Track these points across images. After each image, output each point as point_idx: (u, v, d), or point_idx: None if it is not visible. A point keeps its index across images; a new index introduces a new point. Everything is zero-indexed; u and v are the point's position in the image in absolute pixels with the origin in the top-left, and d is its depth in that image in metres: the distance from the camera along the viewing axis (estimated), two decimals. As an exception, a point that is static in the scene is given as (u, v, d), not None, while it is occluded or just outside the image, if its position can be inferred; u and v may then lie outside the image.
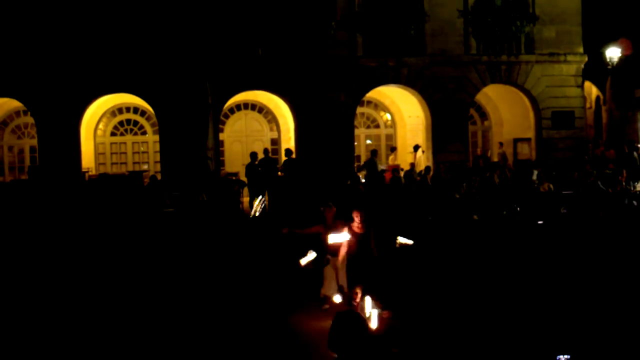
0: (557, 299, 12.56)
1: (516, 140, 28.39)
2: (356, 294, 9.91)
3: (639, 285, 13.18)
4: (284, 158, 24.15)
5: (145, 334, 11.30)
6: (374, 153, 25.38)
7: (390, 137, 29.63)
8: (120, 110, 28.20)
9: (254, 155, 23.28)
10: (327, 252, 12.53)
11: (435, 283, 13.75)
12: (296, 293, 13.33)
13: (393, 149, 28.30)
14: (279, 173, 23.31)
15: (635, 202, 20.63)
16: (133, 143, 28.35)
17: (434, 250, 16.12)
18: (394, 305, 10.51)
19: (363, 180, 22.90)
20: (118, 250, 16.97)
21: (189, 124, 24.37)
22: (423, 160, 26.30)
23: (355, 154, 27.16)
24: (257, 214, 20.16)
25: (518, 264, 15.08)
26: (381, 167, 25.06)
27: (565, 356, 9.08)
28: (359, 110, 27.88)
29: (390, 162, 26.80)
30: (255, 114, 28.78)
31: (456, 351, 10.24)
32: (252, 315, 12.16)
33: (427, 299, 12.65)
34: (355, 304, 9.81)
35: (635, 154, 24.97)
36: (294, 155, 24.29)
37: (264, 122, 28.81)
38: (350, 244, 12.62)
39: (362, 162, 27.52)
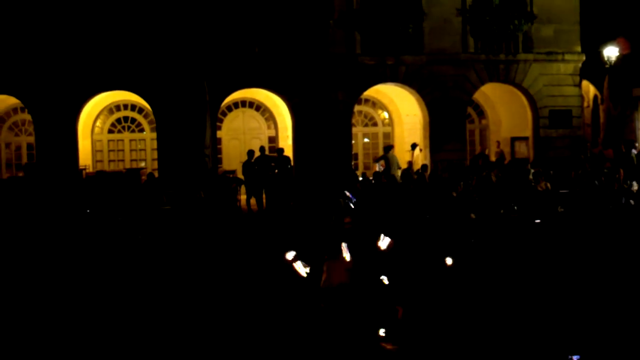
0: (563, 297, 12.56)
1: (514, 139, 28.40)
2: None
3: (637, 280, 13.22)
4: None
5: (142, 333, 11.28)
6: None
7: (388, 136, 29.60)
8: (117, 107, 28.16)
9: (251, 153, 23.29)
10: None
11: (436, 281, 13.71)
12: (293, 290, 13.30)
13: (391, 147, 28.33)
14: (275, 171, 23.29)
15: (632, 201, 20.65)
16: (130, 140, 28.32)
17: (432, 249, 16.10)
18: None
19: (360, 179, 22.92)
20: (115, 248, 16.94)
21: (186, 121, 24.38)
22: (420, 158, 26.33)
23: (353, 152, 27.16)
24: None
25: (519, 262, 15.07)
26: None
27: (576, 357, 9.09)
28: (357, 108, 27.86)
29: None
30: (252, 112, 28.75)
31: (467, 350, 10.24)
32: (251, 314, 12.14)
33: (430, 296, 12.61)
34: None
35: (633, 153, 24.99)
36: (285, 153, 24.35)
37: (261, 120, 28.79)
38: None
39: (359, 161, 27.58)
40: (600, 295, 12.65)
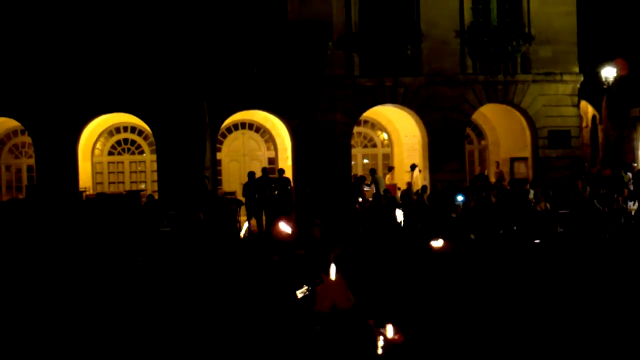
0: (560, 310, 12.62)
1: (513, 160, 28.44)
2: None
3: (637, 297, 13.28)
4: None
5: (141, 352, 11.27)
6: (372, 172, 25.42)
7: (387, 157, 29.68)
8: (117, 129, 28.26)
9: (251, 174, 23.32)
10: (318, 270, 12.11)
11: (437, 299, 13.72)
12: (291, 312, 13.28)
13: (390, 169, 28.41)
14: (275, 192, 23.31)
15: (632, 222, 20.68)
16: (130, 162, 28.39)
17: (431, 269, 16.10)
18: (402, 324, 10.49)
19: (360, 200, 22.93)
20: (115, 270, 16.94)
21: (186, 143, 24.44)
22: (420, 179, 26.35)
23: (352, 173, 27.19)
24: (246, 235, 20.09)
25: (518, 281, 15.08)
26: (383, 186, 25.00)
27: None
28: (356, 129, 27.95)
29: (387, 182, 26.84)
30: (252, 134, 28.84)
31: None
32: (249, 336, 12.12)
33: (432, 316, 12.61)
34: None
35: (623, 173, 25.02)
36: (285, 174, 24.41)
37: (261, 142, 28.87)
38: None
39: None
40: (597, 307, 12.72)
